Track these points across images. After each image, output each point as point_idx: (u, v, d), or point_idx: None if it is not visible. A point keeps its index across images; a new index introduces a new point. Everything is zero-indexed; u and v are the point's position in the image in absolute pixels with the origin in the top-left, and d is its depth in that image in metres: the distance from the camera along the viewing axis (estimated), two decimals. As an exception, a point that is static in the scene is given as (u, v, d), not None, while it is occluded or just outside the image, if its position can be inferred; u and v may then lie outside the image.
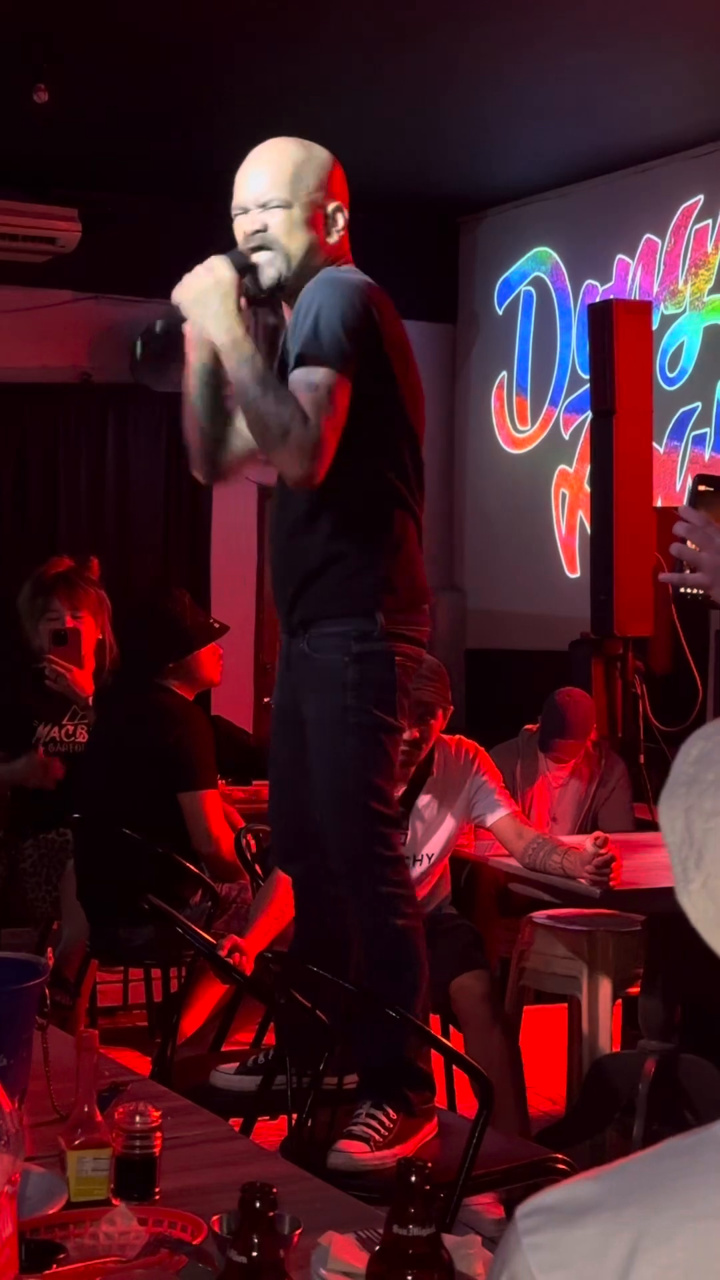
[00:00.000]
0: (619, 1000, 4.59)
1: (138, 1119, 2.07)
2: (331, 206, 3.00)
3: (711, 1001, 4.19)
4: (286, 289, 2.96)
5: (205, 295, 2.87)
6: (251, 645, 8.38)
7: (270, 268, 2.94)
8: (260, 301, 3.01)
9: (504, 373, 8.46)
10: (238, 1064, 3.27)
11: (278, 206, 2.94)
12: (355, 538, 2.95)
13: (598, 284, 7.80)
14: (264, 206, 2.95)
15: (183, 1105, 2.54)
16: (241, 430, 3.04)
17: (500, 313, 8.53)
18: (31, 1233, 1.86)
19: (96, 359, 8.07)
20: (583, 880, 3.85)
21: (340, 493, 2.89)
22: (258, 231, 2.94)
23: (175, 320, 2.95)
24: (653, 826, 5.31)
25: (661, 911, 3.93)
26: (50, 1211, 1.98)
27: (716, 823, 1.09)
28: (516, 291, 8.43)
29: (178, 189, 7.84)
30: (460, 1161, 2.66)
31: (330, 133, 7.54)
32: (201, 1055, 3.75)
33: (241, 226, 2.98)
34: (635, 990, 4.37)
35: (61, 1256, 1.83)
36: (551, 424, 8.13)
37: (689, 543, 2.36)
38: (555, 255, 8.15)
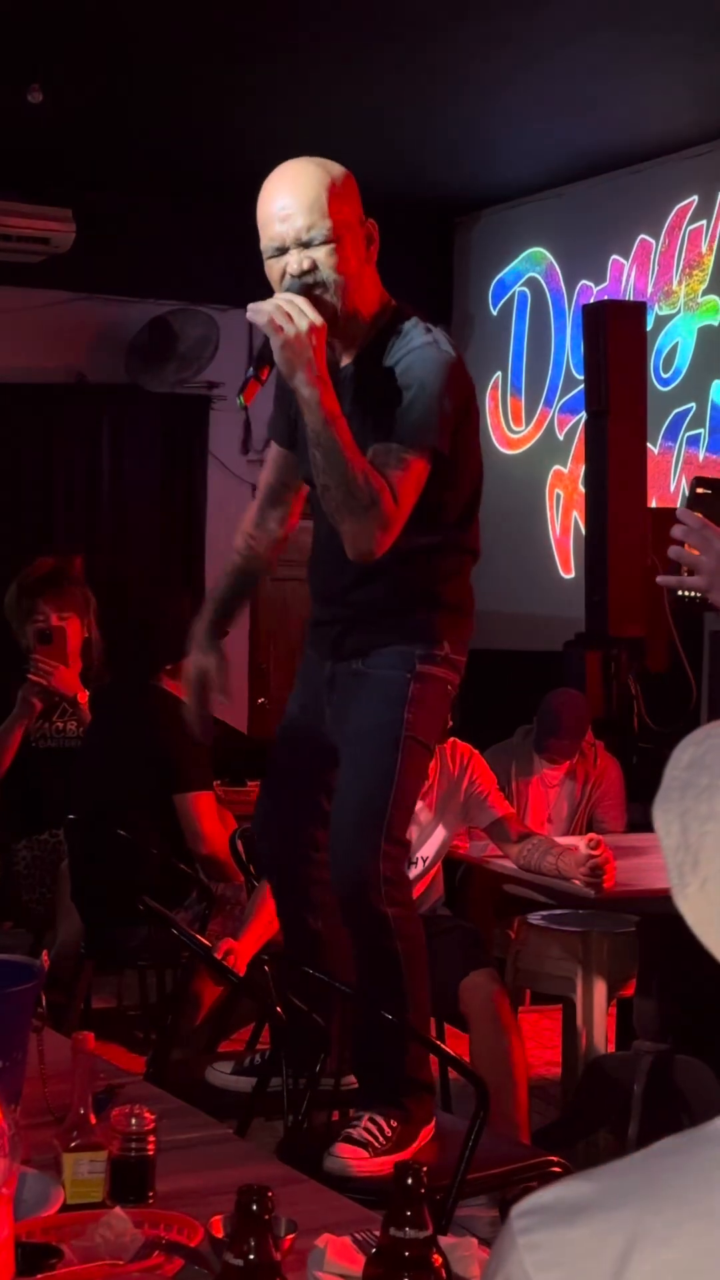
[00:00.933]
0: (614, 1001, 4.59)
1: (133, 1121, 2.07)
2: (366, 223, 2.90)
3: (706, 1002, 4.19)
4: (337, 321, 2.85)
5: (302, 341, 2.70)
6: (246, 647, 8.38)
7: (324, 303, 2.80)
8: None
9: (499, 373, 8.46)
10: (232, 1065, 3.27)
11: (324, 241, 2.80)
12: (430, 587, 2.99)
13: (592, 285, 7.80)
14: (308, 245, 2.80)
15: (178, 1107, 2.54)
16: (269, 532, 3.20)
17: (495, 313, 8.54)
18: (27, 1235, 1.86)
19: (91, 359, 8.06)
20: (577, 882, 3.86)
21: (411, 546, 2.88)
22: (307, 272, 2.80)
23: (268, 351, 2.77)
24: (647, 827, 5.32)
25: (656, 912, 3.93)
26: (46, 1214, 1.98)
27: (712, 826, 1.09)
28: (511, 292, 8.43)
29: (173, 189, 7.85)
30: (456, 1164, 2.66)
31: (326, 133, 7.56)
32: (196, 1056, 3.75)
33: (284, 267, 2.82)
34: (630, 991, 4.38)
35: (57, 1260, 1.82)
36: (546, 424, 8.14)
37: (686, 546, 2.36)
38: (550, 256, 8.16)
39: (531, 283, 8.29)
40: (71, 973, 4.65)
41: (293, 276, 2.80)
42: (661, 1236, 1.01)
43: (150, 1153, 2.08)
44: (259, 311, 2.71)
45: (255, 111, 6.75)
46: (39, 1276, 1.79)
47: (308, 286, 2.78)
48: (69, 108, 6.47)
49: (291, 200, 2.81)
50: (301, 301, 2.72)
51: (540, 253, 8.22)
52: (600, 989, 4.46)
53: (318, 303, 2.76)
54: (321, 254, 2.79)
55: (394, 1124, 2.85)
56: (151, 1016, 5.01)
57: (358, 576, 2.95)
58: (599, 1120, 4.26)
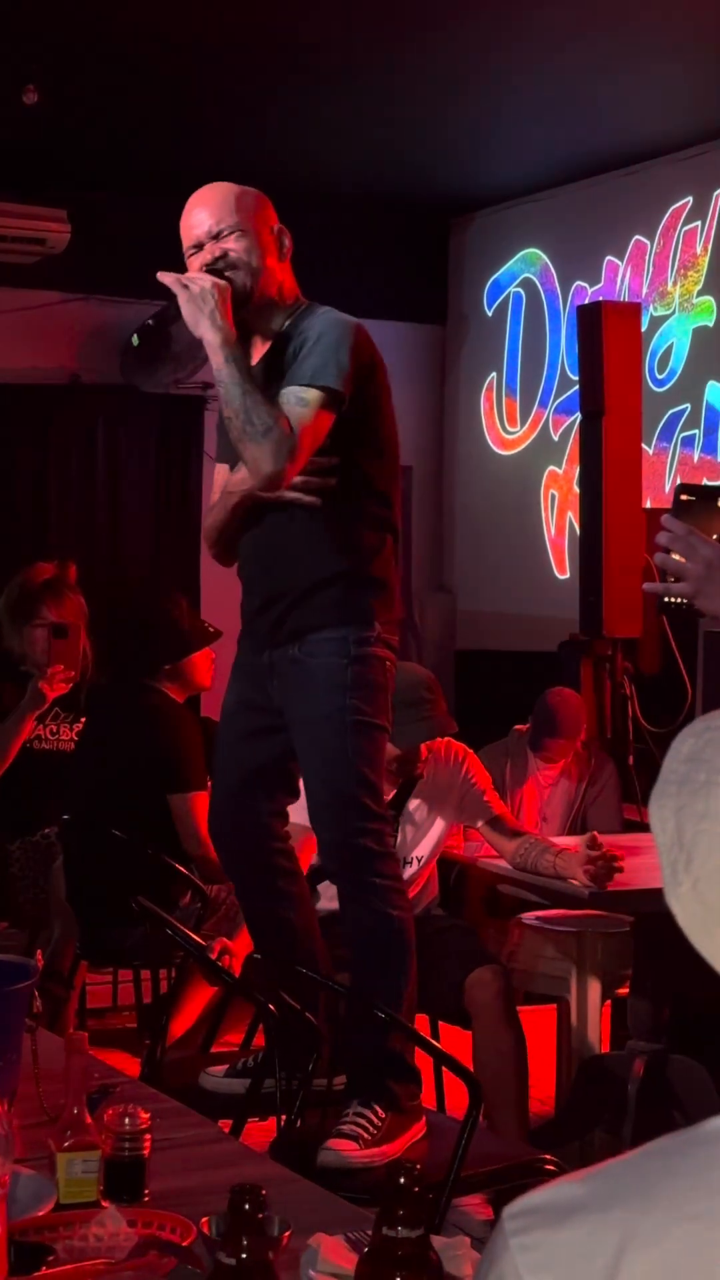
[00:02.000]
0: (608, 1001, 4.60)
1: (127, 1121, 2.08)
2: (276, 228, 3.19)
3: (700, 1002, 4.19)
4: (250, 307, 3.13)
5: (203, 295, 3.03)
6: (237, 648, 8.37)
7: (238, 281, 3.11)
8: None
9: (493, 374, 8.46)
10: (226, 1066, 3.27)
11: (230, 232, 3.12)
12: (352, 558, 3.15)
13: (587, 285, 7.81)
14: (217, 237, 3.12)
15: (172, 1107, 2.54)
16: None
17: (490, 314, 8.54)
18: (21, 1235, 1.86)
19: (86, 360, 8.05)
20: (576, 881, 3.86)
21: (335, 518, 3.10)
22: (218, 259, 3.11)
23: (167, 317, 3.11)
24: (641, 827, 5.32)
25: (650, 912, 3.94)
26: (40, 1213, 1.98)
27: (707, 825, 1.09)
28: (506, 293, 8.43)
29: (167, 190, 7.82)
30: (449, 1163, 2.67)
31: (320, 135, 7.55)
32: (190, 1057, 3.75)
33: (199, 262, 3.14)
34: (624, 991, 4.38)
35: (50, 1259, 1.83)
36: (541, 425, 8.14)
37: (673, 553, 2.37)
38: (545, 257, 8.16)
39: (526, 284, 8.29)
40: (68, 966, 4.66)
41: (205, 266, 3.11)
42: (654, 1238, 1.00)
43: (144, 1152, 2.08)
44: (166, 275, 3.07)
45: (251, 113, 6.75)
46: (32, 1275, 1.79)
47: (218, 271, 3.09)
48: (64, 108, 6.46)
49: (202, 209, 3.16)
50: (202, 274, 3.07)
51: (535, 254, 8.22)
52: (594, 989, 4.46)
53: (228, 281, 3.08)
54: (230, 242, 3.12)
55: (382, 1113, 2.88)
56: (146, 1016, 5.01)
57: (286, 561, 3.15)
58: (593, 1120, 4.26)
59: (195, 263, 3.16)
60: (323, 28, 5.81)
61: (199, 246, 3.16)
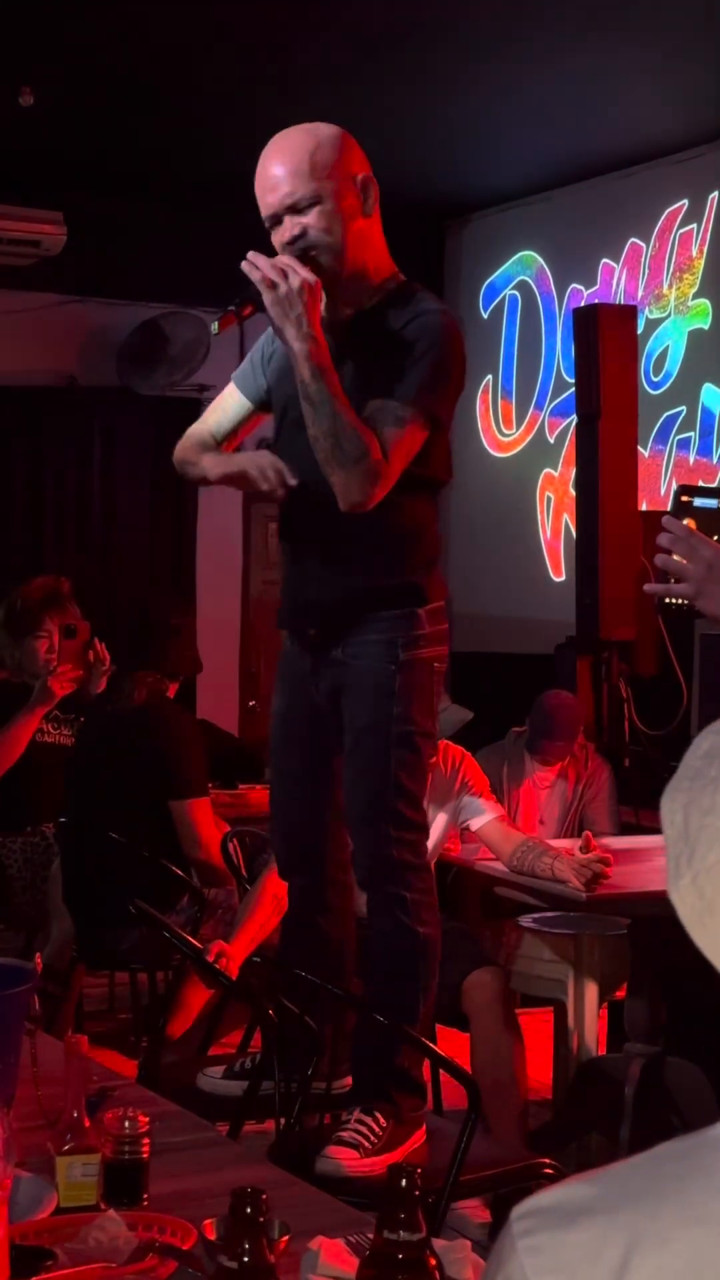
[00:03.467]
0: (605, 1003, 4.59)
1: (127, 1124, 2.07)
2: (360, 178, 2.91)
3: (697, 1004, 4.19)
4: (338, 279, 2.91)
5: (289, 299, 2.77)
6: (237, 649, 8.37)
7: (323, 261, 2.87)
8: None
9: (489, 376, 8.47)
10: (224, 1068, 3.27)
11: (310, 205, 2.86)
12: (402, 555, 2.99)
13: (583, 288, 7.81)
14: (294, 209, 2.86)
15: (171, 1110, 2.54)
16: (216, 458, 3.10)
17: (485, 316, 8.54)
18: (21, 1238, 1.86)
19: (82, 362, 8.06)
20: (572, 884, 3.86)
21: (389, 513, 2.90)
22: (297, 238, 2.86)
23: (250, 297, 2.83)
24: (638, 830, 5.32)
25: (647, 915, 3.94)
26: (40, 1217, 1.98)
27: (711, 820, 1.09)
28: (501, 295, 8.44)
29: (164, 192, 7.85)
30: (448, 1166, 2.66)
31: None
32: (187, 1059, 3.75)
33: (279, 237, 2.90)
34: (621, 993, 4.38)
35: (50, 1262, 1.82)
36: (537, 428, 8.14)
37: (674, 554, 2.37)
38: (540, 259, 8.17)
39: (522, 286, 8.30)
40: (66, 967, 4.66)
41: (285, 244, 2.87)
42: (662, 1241, 1.00)
43: (143, 1156, 2.07)
44: (255, 267, 2.79)
45: (247, 115, 6.74)
46: (32, 1279, 1.79)
47: (302, 250, 2.85)
48: (60, 111, 6.47)
49: (278, 170, 2.89)
50: (295, 263, 2.80)
51: (531, 256, 8.23)
52: (591, 991, 4.46)
53: (313, 265, 2.83)
54: (310, 217, 2.87)
55: (383, 1121, 2.86)
56: (143, 1019, 5.01)
57: (338, 563, 2.98)
58: (590, 1122, 4.26)
59: (275, 239, 2.90)
60: (318, 31, 5.81)
61: (277, 220, 2.89)
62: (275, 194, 2.88)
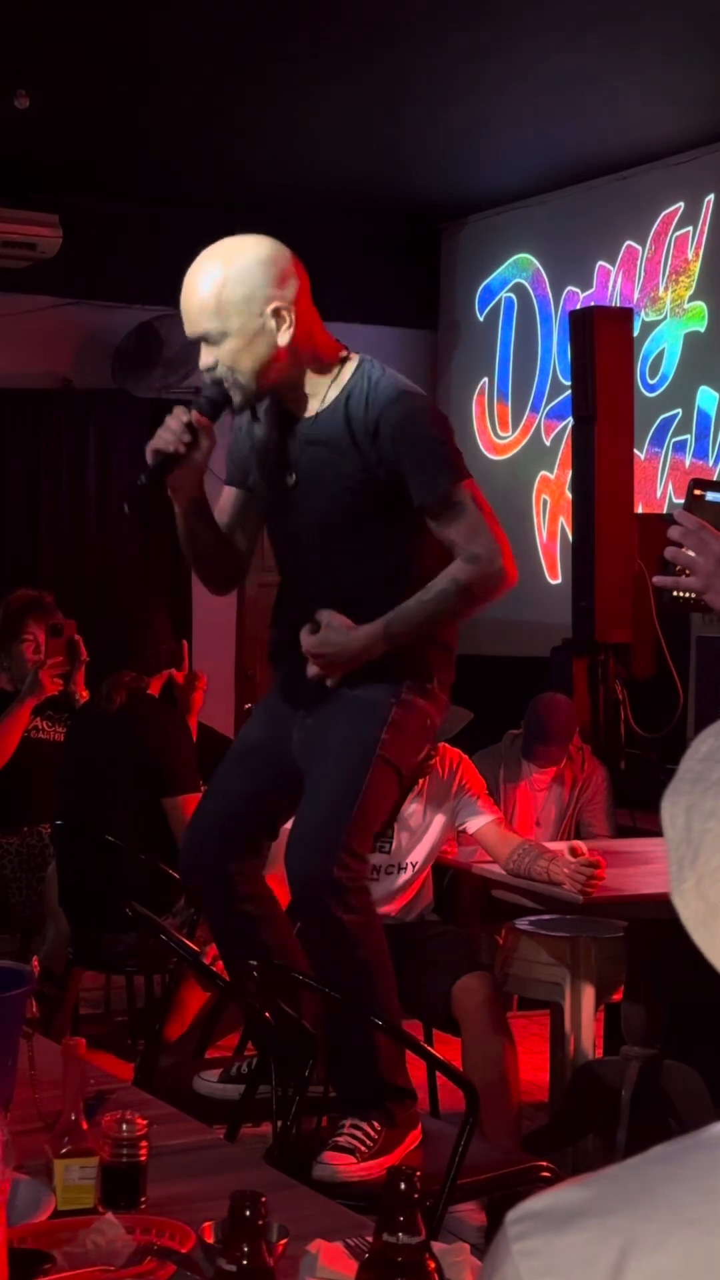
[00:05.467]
0: (602, 1006, 4.60)
1: (124, 1127, 2.07)
2: (270, 309, 2.88)
3: (695, 1007, 4.19)
4: (261, 400, 3.00)
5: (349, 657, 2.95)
6: (233, 651, 8.38)
7: (235, 393, 2.93)
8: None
9: (485, 379, 8.47)
10: (220, 1071, 3.27)
11: (217, 340, 2.90)
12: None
13: (578, 291, 7.82)
14: (205, 340, 2.91)
15: (168, 1113, 2.54)
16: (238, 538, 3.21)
17: (481, 319, 8.55)
18: (19, 1242, 1.86)
19: (78, 365, 8.06)
20: (568, 886, 3.86)
21: (404, 571, 3.00)
22: (210, 368, 2.93)
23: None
24: (634, 832, 5.32)
25: (645, 918, 3.94)
26: (37, 1220, 1.98)
27: (714, 824, 1.09)
28: (497, 298, 8.44)
29: (159, 195, 7.85)
30: (446, 1169, 2.66)
31: (312, 139, 7.54)
32: (184, 1062, 3.75)
33: (203, 364, 2.96)
34: (618, 996, 4.38)
35: (49, 1266, 1.82)
36: (533, 430, 8.15)
37: (684, 547, 2.37)
38: (536, 262, 8.17)
39: (518, 289, 8.30)
40: (62, 969, 4.67)
41: (205, 369, 2.95)
42: (656, 1244, 1.01)
43: (141, 1159, 2.08)
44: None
45: (242, 118, 6.76)
46: (30, 1283, 1.79)
47: (217, 380, 2.93)
48: (55, 113, 6.46)
49: (189, 302, 2.92)
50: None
51: (527, 259, 8.23)
52: (588, 994, 4.46)
53: (234, 388, 2.92)
54: (222, 350, 2.91)
55: (378, 1126, 2.86)
56: (139, 1022, 5.01)
57: (350, 598, 2.97)
58: (587, 1125, 4.26)
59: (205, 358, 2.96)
60: (315, 34, 5.81)
61: (195, 340, 2.96)
62: (188, 324, 2.93)
